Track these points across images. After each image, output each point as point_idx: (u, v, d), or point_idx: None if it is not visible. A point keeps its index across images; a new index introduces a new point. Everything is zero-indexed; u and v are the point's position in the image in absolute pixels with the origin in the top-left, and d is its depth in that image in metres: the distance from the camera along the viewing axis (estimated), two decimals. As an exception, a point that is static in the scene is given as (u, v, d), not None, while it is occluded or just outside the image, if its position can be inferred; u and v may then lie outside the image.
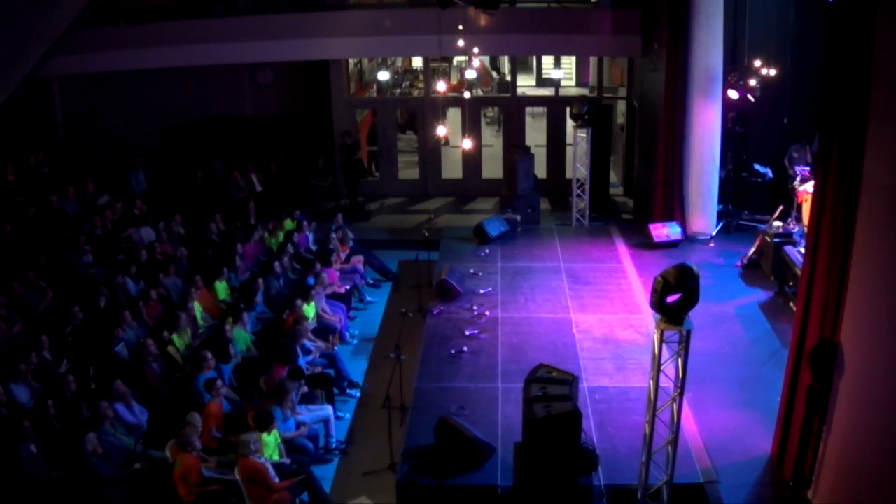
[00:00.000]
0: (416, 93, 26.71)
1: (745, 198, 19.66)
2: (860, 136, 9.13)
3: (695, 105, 18.09)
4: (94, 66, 20.93)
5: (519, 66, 25.08)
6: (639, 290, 16.12)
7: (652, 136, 19.62)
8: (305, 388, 12.87)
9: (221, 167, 21.22)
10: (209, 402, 11.98)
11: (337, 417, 13.02)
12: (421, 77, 25.63)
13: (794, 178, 17.18)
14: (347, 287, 16.89)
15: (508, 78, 24.94)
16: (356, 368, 14.73)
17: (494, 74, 30.46)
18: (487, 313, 15.36)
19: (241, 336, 14.18)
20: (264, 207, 20.76)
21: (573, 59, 30.57)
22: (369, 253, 18.68)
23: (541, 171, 22.39)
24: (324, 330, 14.92)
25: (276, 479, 10.55)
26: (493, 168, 23.65)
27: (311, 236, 18.80)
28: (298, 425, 12.07)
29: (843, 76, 9.59)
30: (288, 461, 11.27)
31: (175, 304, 15.21)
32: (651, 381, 9.63)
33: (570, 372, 10.90)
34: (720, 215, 19.05)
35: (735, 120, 19.09)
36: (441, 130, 18.72)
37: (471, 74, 21.05)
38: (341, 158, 22.06)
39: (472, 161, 23.46)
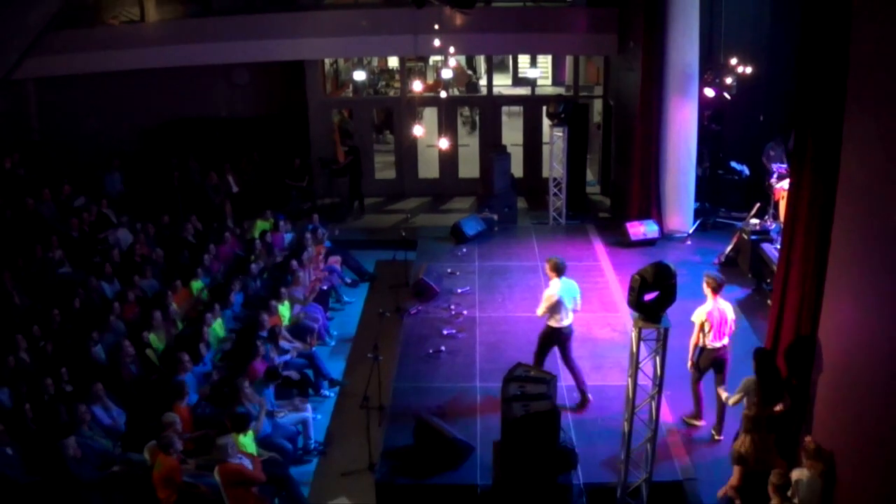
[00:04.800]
0: (392, 93, 26.66)
1: (722, 195, 19.73)
2: (836, 132, 9.15)
3: (671, 103, 18.13)
4: (69, 68, 20.69)
5: (495, 65, 25.07)
6: (616, 288, 16.13)
7: (628, 134, 19.66)
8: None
9: (198, 168, 21.11)
10: (176, 404, 11.83)
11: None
12: (397, 77, 25.58)
13: (770, 176, 17.27)
14: (325, 287, 16.83)
15: (484, 80, 24.87)
16: (334, 369, 14.71)
17: (470, 73, 30.43)
18: (465, 312, 15.35)
19: (214, 336, 14.11)
20: (241, 208, 20.66)
21: (549, 57, 30.61)
22: (346, 253, 18.63)
23: (517, 170, 22.43)
24: (300, 330, 14.87)
25: (251, 467, 10.40)
26: (469, 167, 23.63)
27: (286, 236, 18.74)
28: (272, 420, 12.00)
29: (818, 73, 9.63)
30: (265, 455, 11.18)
31: (152, 306, 15.09)
32: (629, 380, 9.65)
33: (548, 371, 10.91)
34: (697, 213, 19.10)
35: (711, 118, 19.18)
36: (417, 130, 18.69)
37: (447, 74, 21.04)
38: (349, 160, 22.15)
39: (449, 160, 23.44)
